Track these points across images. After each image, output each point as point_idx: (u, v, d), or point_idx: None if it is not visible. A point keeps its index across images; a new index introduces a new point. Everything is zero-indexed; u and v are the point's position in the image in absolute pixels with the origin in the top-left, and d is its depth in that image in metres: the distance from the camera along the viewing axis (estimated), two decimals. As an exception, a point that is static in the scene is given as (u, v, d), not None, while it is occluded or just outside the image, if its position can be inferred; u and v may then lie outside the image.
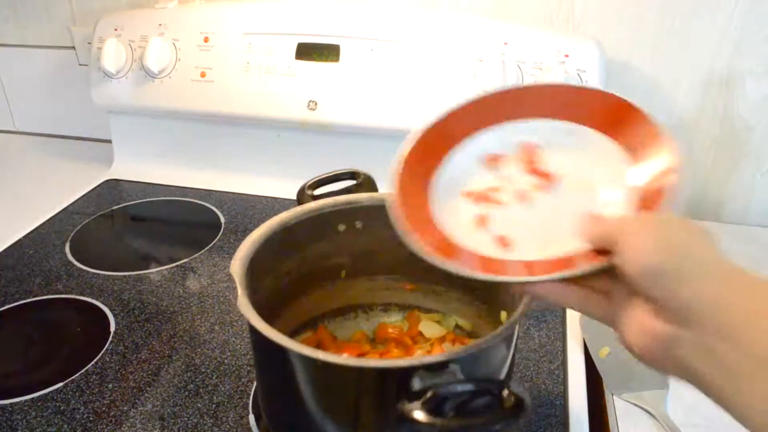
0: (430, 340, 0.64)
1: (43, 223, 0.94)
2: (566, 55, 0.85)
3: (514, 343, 0.51)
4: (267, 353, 0.51)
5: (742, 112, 0.91)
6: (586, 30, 0.92)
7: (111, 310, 0.75)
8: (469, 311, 0.65)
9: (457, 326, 0.66)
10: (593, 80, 0.84)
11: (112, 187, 1.05)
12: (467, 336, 0.65)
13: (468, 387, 0.41)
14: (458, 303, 0.65)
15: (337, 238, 0.63)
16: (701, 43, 0.88)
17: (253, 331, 0.48)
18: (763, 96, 0.89)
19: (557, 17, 0.92)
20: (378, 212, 0.62)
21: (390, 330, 0.66)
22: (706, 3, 0.86)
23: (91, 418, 0.60)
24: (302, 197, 0.62)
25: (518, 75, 0.85)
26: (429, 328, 0.65)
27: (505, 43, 0.87)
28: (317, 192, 0.62)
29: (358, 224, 0.63)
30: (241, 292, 0.49)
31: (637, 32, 0.90)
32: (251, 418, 0.60)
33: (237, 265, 0.53)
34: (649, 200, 0.42)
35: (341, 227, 0.62)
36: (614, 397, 0.62)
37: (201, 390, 0.63)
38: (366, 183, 0.64)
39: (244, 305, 0.48)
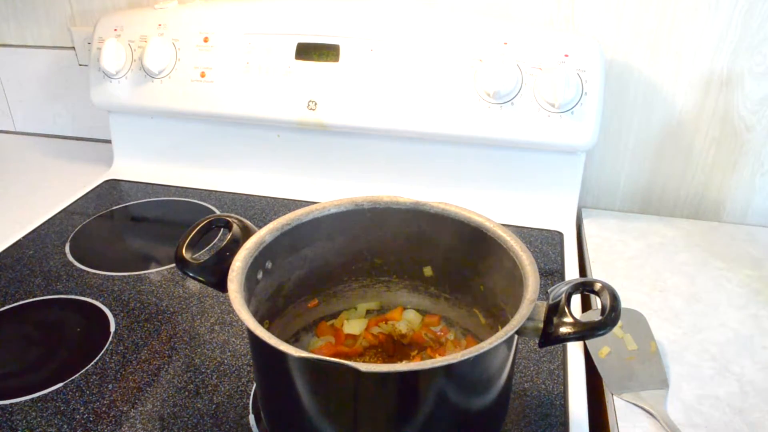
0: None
1: (43, 223, 0.94)
2: (566, 55, 0.85)
3: (514, 346, 0.51)
4: (264, 357, 0.51)
5: (742, 112, 0.91)
6: (586, 30, 0.92)
7: (111, 310, 0.75)
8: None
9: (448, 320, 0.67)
10: (593, 80, 0.84)
11: (112, 187, 1.05)
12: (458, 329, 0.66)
13: None
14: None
15: (338, 241, 0.63)
16: (701, 43, 0.88)
17: (251, 335, 0.48)
18: (763, 96, 0.89)
19: (557, 17, 0.92)
20: (377, 215, 0.62)
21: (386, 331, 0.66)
22: (706, 3, 0.86)
23: (91, 419, 0.60)
24: (182, 264, 0.55)
25: (518, 75, 0.86)
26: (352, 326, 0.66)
27: (505, 43, 0.87)
28: (196, 255, 0.56)
29: (358, 226, 0.63)
30: (238, 294, 0.49)
31: (637, 32, 0.90)
32: (251, 418, 0.60)
33: (238, 266, 0.53)
34: None
35: (342, 230, 0.62)
36: (614, 397, 0.62)
37: (201, 390, 0.63)
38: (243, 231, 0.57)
39: (241, 308, 0.48)
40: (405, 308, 0.68)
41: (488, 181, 0.95)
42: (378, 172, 0.99)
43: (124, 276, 0.81)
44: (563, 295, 0.50)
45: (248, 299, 0.52)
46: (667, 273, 0.82)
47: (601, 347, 0.68)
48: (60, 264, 0.84)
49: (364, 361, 0.61)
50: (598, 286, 0.50)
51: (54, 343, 0.70)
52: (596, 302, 0.77)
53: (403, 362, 0.62)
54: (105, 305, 0.76)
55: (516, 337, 0.49)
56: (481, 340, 0.46)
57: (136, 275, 0.81)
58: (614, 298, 0.48)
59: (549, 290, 0.52)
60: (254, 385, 0.63)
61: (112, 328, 0.72)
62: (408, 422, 0.47)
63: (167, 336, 0.71)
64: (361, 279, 0.67)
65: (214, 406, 0.61)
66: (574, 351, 0.68)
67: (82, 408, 0.61)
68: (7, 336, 0.72)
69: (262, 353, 0.51)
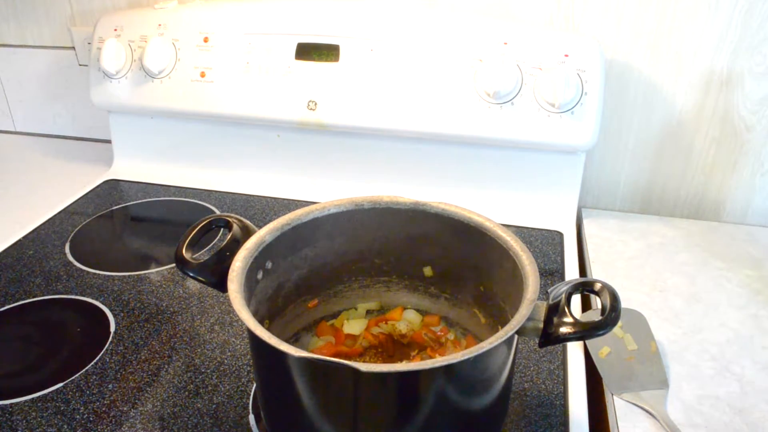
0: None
1: (43, 223, 0.94)
2: (566, 55, 0.85)
3: (514, 345, 0.51)
4: (264, 357, 0.51)
5: (742, 112, 0.91)
6: (586, 30, 0.92)
7: (111, 310, 0.75)
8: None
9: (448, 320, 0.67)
10: (593, 80, 0.84)
11: (112, 187, 1.05)
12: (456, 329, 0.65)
13: None
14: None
15: (338, 241, 0.63)
16: (701, 43, 0.88)
17: (251, 335, 0.48)
18: (763, 96, 0.89)
19: (557, 17, 0.92)
20: (377, 215, 0.62)
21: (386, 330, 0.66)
22: (706, 3, 0.86)
23: (91, 419, 0.60)
24: (183, 264, 0.56)
25: (518, 75, 0.86)
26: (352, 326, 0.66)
27: (505, 43, 0.87)
28: (196, 255, 0.56)
29: (358, 226, 0.63)
30: (238, 294, 0.49)
31: (637, 32, 0.90)
32: (251, 418, 0.60)
33: (238, 266, 0.53)
34: None
35: (342, 230, 0.62)
36: (614, 397, 0.62)
37: (201, 390, 0.63)
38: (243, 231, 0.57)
39: (241, 308, 0.48)
40: (405, 308, 0.68)
41: (488, 181, 0.95)
42: (378, 172, 0.99)
43: (124, 276, 0.81)
44: (563, 295, 0.50)
45: (248, 299, 0.52)
46: (667, 273, 0.82)
47: (601, 347, 0.68)
48: (60, 264, 0.84)
49: (364, 361, 0.61)
50: (598, 286, 0.50)
51: (54, 343, 0.70)
52: (596, 302, 0.77)
53: (403, 362, 0.62)
54: (105, 305, 0.76)
55: (516, 337, 0.49)
56: (481, 340, 0.46)
57: (136, 275, 0.81)
58: (614, 298, 0.48)
59: (549, 290, 0.52)
60: (254, 385, 0.63)
61: (112, 328, 0.72)
62: (408, 422, 0.47)
63: (167, 336, 0.71)
64: (361, 279, 0.67)
65: (214, 406, 0.61)
66: (574, 351, 0.68)
67: (82, 408, 0.61)
68: (7, 336, 0.72)
69: (262, 353, 0.51)
